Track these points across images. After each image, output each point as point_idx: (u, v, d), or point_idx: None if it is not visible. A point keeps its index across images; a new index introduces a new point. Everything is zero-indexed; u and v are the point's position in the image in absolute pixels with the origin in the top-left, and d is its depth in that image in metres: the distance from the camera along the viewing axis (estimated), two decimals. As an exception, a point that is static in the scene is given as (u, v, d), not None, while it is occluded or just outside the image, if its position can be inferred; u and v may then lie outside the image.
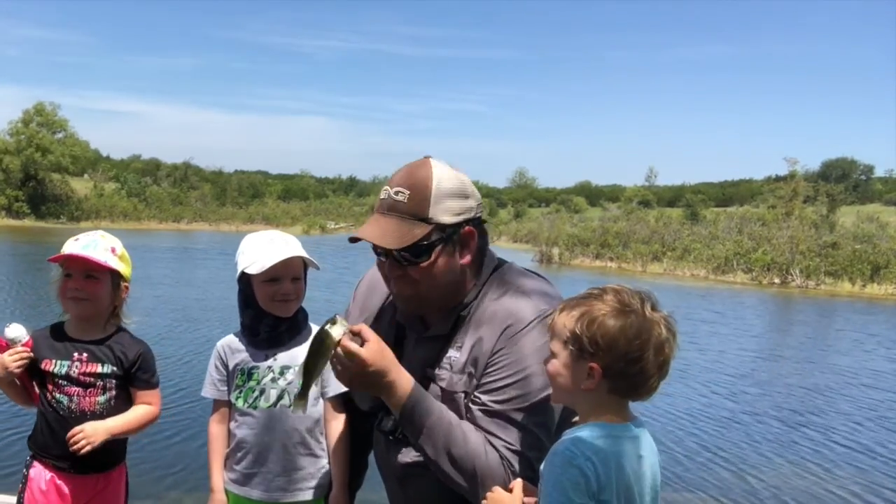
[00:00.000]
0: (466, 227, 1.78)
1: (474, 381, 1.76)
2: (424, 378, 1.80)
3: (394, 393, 1.66)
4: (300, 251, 2.30)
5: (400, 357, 1.82)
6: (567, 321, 1.50)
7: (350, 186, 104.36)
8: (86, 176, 62.99)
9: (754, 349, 14.36)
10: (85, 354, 2.37)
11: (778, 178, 49.16)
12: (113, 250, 2.39)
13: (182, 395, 7.87)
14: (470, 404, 1.75)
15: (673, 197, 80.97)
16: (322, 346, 1.62)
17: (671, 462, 7.06)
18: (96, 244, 2.38)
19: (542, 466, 1.50)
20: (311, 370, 1.67)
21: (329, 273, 21.69)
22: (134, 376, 2.42)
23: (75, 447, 2.28)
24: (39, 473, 2.37)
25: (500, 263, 1.91)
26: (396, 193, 1.74)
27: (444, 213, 1.73)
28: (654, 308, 1.50)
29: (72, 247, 2.34)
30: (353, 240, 1.80)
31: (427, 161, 1.77)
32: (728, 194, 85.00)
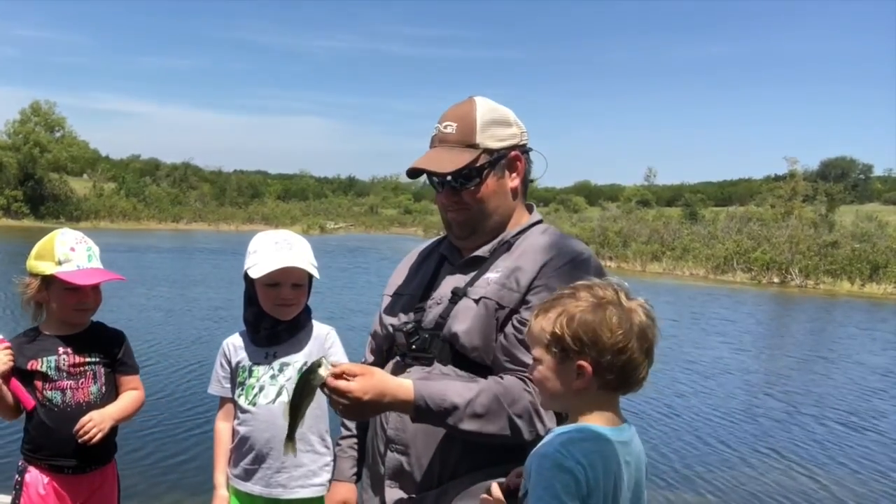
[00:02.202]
0: (513, 152, 1.91)
1: (515, 296, 1.79)
2: (454, 296, 1.86)
3: (400, 403, 1.68)
4: (300, 260, 2.29)
5: (433, 283, 1.94)
6: (544, 324, 1.47)
7: (349, 186, 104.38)
8: (85, 176, 62.96)
9: (784, 348, 14.22)
10: (70, 347, 2.37)
11: (777, 178, 49.23)
12: (99, 254, 2.43)
13: (187, 395, 7.84)
14: (513, 322, 1.79)
15: (672, 196, 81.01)
16: (307, 388, 1.65)
17: (739, 463, 6.94)
18: (93, 252, 2.40)
19: (528, 463, 1.48)
20: (296, 410, 1.68)
21: (334, 273, 21.66)
22: (119, 362, 2.45)
23: (86, 437, 2.28)
24: (36, 478, 2.35)
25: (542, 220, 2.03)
26: (445, 127, 1.89)
27: (490, 139, 1.87)
28: (628, 296, 1.48)
29: (79, 259, 2.34)
30: (412, 173, 1.92)
31: (471, 98, 1.92)
32: (727, 194, 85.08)
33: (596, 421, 1.47)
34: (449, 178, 1.87)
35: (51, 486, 2.35)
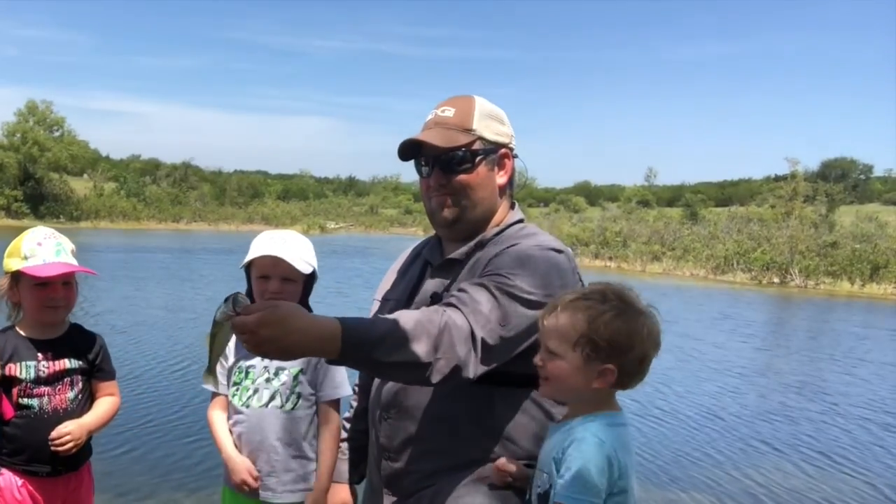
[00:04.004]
0: (504, 150, 1.92)
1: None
2: (432, 300, 1.82)
3: (323, 339, 1.47)
4: (289, 253, 2.28)
5: (418, 288, 1.92)
6: (575, 323, 1.50)
7: (349, 186, 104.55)
8: (85, 176, 62.99)
9: (807, 348, 13.93)
10: (49, 353, 2.34)
11: (777, 178, 49.21)
12: (73, 251, 2.40)
13: (189, 396, 7.80)
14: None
15: (672, 197, 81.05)
16: (213, 327, 1.54)
17: (791, 467, 6.74)
18: (62, 247, 2.36)
19: (558, 449, 1.52)
20: (210, 348, 1.58)
21: (348, 276, 21.53)
22: (97, 367, 2.43)
23: (62, 448, 2.27)
24: (10, 481, 2.32)
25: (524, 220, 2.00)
26: (443, 111, 1.90)
27: (486, 129, 1.88)
28: (643, 302, 1.56)
29: (45, 254, 2.31)
30: (404, 149, 1.88)
31: (470, 95, 1.94)
32: (727, 194, 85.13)
33: (608, 409, 1.56)
34: (442, 158, 1.85)
35: (26, 489, 2.32)
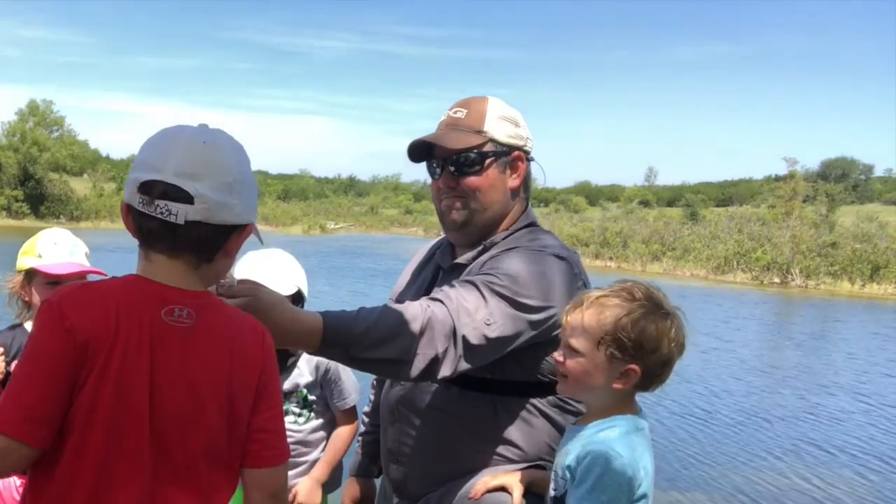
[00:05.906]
0: (517, 152, 1.88)
1: None
2: None
3: (303, 326, 1.51)
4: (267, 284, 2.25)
5: (429, 291, 1.88)
6: (602, 320, 1.47)
7: (350, 186, 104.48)
8: (85, 176, 62.92)
9: (830, 349, 13.80)
10: None
11: (777, 178, 49.16)
12: (87, 254, 2.42)
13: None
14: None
15: (672, 197, 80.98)
16: None
17: (847, 470, 6.65)
18: (78, 249, 2.38)
19: (573, 457, 1.49)
20: None
21: (365, 278, 21.43)
22: None
23: None
24: (9, 481, 2.30)
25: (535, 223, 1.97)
26: (455, 112, 1.89)
27: (498, 131, 1.85)
28: (669, 304, 1.53)
29: (60, 254, 2.32)
30: (413, 149, 1.88)
31: (486, 96, 1.93)
32: (728, 194, 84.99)
33: (628, 412, 1.52)
34: (452, 160, 1.84)
35: (24, 488, 2.31)
